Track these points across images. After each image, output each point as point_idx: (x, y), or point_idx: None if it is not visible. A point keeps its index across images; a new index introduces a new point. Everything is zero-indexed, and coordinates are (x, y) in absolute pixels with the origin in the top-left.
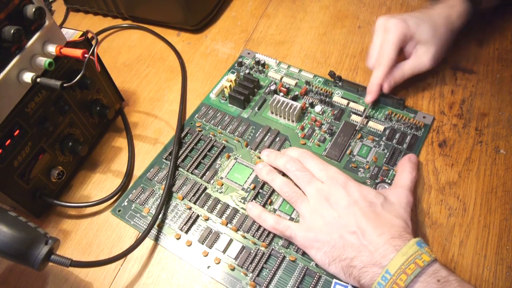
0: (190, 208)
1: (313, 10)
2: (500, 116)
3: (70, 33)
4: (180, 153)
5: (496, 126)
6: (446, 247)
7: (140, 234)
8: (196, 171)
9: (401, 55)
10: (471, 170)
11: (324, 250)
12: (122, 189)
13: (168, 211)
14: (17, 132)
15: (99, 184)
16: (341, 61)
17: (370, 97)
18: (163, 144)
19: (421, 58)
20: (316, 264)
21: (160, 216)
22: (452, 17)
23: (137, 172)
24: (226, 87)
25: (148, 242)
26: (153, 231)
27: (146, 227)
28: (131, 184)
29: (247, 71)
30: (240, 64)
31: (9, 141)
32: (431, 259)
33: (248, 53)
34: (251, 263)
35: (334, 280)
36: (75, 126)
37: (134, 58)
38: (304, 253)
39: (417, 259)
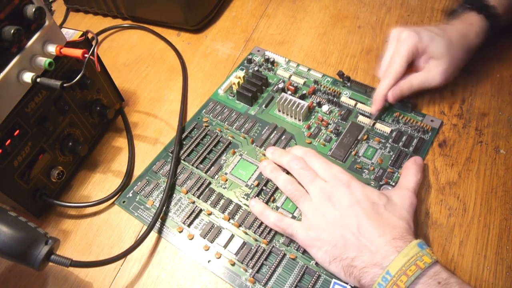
0: (193, 202)
1: (313, 10)
2: (500, 116)
3: (70, 33)
4: (186, 147)
5: (496, 126)
6: (446, 247)
7: (145, 229)
8: (201, 165)
9: (412, 68)
10: (471, 170)
11: (325, 249)
12: (122, 189)
13: (172, 205)
14: (17, 132)
15: (99, 184)
16: (341, 61)
17: (374, 107)
18: (163, 144)
19: (431, 72)
20: (316, 263)
21: (164, 209)
22: (469, 36)
23: (137, 172)
24: (234, 83)
25: (149, 241)
26: (156, 224)
27: (149, 219)
28: (131, 183)
29: (256, 69)
30: (250, 61)
31: (9, 141)
32: (432, 261)
33: (258, 51)
34: (251, 259)
35: (333, 280)
36: (75, 126)
37: (134, 58)
38: (304, 252)
39: (418, 260)
